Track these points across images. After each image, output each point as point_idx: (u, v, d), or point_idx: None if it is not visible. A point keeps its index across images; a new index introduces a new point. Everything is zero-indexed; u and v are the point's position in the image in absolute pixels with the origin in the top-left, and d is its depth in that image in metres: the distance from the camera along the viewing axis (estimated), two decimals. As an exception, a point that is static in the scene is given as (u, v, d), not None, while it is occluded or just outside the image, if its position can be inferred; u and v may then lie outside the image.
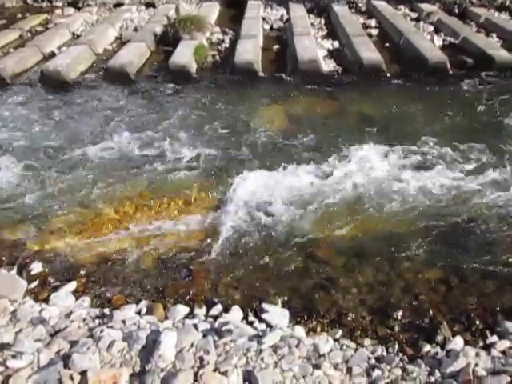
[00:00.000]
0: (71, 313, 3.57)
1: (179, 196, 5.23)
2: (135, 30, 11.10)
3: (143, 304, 3.88)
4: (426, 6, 12.20)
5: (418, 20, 11.72)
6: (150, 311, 3.78)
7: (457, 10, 12.40)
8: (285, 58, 9.33)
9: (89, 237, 4.68)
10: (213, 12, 12.08)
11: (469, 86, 8.18)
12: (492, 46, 9.67)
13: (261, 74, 8.54)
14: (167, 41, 9.99)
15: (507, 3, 12.50)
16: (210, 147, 6.24)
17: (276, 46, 10.03)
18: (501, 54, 9.14)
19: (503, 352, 3.43)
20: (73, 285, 4.09)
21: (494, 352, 3.41)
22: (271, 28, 11.37)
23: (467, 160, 5.93)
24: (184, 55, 8.86)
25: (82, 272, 4.26)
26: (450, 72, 8.63)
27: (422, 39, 9.82)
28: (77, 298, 3.90)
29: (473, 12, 12.14)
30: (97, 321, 3.50)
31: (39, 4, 13.48)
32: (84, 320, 3.49)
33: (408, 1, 12.70)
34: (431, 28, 11.09)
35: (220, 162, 5.94)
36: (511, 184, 5.43)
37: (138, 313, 3.77)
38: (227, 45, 10.10)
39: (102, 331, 3.22)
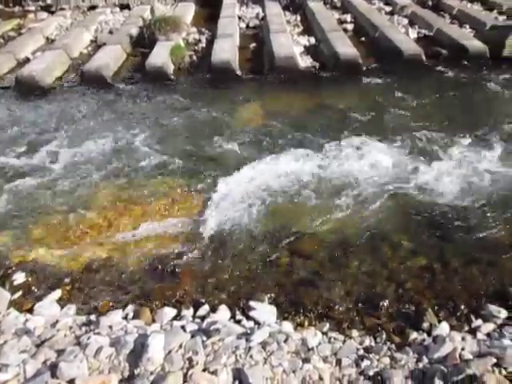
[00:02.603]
0: (57, 322, 3.51)
1: (161, 199, 5.19)
2: (110, 32, 10.99)
3: (130, 308, 3.84)
4: (399, 0, 12.35)
5: (392, 14, 11.88)
6: (136, 315, 3.74)
7: (430, 3, 12.62)
8: (262, 55, 9.36)
9: (72, 244, 4.61)
10: (188, 12, 12.03)
11: (444, 77, 8.32)
12: (465, 36, 9.85)
13: (238, 72, 8.53)
14: (143, 42, 9.91)
15: (478, -6, 12.74)
16: (189, 148, 6.20)
17: (253, 44, 10.04)
18: (474, 44, 9.33)
19: (488, 335, 3.50)
20: (57, 293, 4.02)
21: (480, 335, 3.48)
22: (247, 26, 11.40)
23: (446, 149, 6.02)
24: (160, 56, 8.81)
25: (67, 280, 4.20)
26: (426, 63, 8.76)
27: (396, 32, 9.96)
28: (62, 307, 3.84)
29: (446, 4, 12.35)
30: (83, 328, 3.46)
31: (11, 9, 13.23)
32: (70, 328, 3.44)
33: (381, -6, 12.85)
34: (405, 21, 11.25)
35: (200, 163, 5.90)
36: (491, 171, 5.55)
37: (125, 318, 3.73)
38: (204, 44, 10.08)
39: (88, 338, 3.18)
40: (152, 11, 11.76)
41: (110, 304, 3.93)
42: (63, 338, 3.27)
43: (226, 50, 8.93)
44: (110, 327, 3.44)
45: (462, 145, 6.10)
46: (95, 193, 5.36)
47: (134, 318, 3.72)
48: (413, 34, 10.33)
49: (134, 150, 6.18)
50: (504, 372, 2.89)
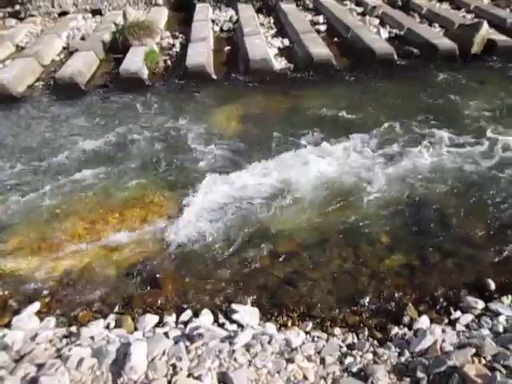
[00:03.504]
0: (36, 335, 3.44)
1: (138, 206, 5.13)
2: (82, 38, 10.83)
3: (111, 318, 3.79)
4: (370, 1, 12.55)
5: (363, 14, 12.03)
6: (118, 324, 3.70)
7: (400, 3, 12.82)
8: (236, 58, 9.37)
9: (48, 255, 4.52)
10: (161, 16, 11.96)
11: (416, 75, 8.50)
12: (435, 35, 10.07)
13: (214, 76, 8.52)
14: (116, 48, 9.80)
15: (447, -7, 13.04)
16: (164, 154, 6.15)
17: (227, 48, 10.05)
18: (444, 42, 9.54)
19: (467, 326, 3.59)
20: (36, 306, 3.93)
21: (459, 327, 3.56)
22: (221, 30, 11.39)
23: (418, 144, 6.14)
24: (134, 62, 8.73)
25: (45, 292, 4.11)
26: (398, 62, 8.93)
27: (368, 32, 10.10)
28: (41, 320, 3.76)
29: (415, 3, 12.59)
30: (64, 340, 3.39)
31: (-24, 17, 12.92)
32: (51, 341, 3.38)
33: (353, -4, 13.03)
34: (377, 21, 11.41)
35: (176, 169, 5.85)
36: (464, 165, 5.69)
37: (107, 327, 3.68)
38: (178, 49, 10.03)
39: (70, 350, 3.12)
40: (124, 16, 11.62)
41: (91, 314, 3.88)
42: (43, 351, 3.20)
43: (201, 54, 8.91)
44: (92, 338, 3.39)
45: (435, 141, 6.23)
46: (70, 202, 5.26)
47: (115, 326, 3.68)
48: (384, 33, 10.50)
49: (109, 158, 6.10)
50: (484, 361, 2.95)
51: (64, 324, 3.75)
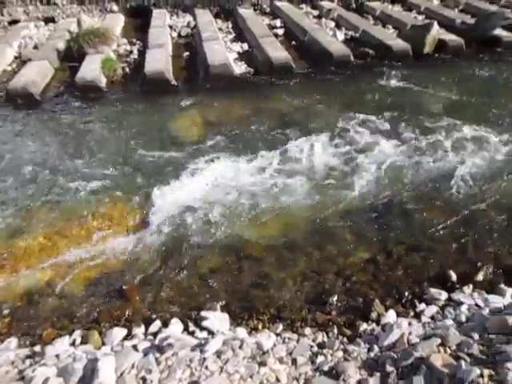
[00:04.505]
0: (-4, 358, 3.29)
1: (99, 217, 5.01)
2: (35, 47, 10.48)
3: (77, 334, 3.67)
4: (326, 4, 12.82)
5: (319, 17, 12.27)
6: (85, 340, 3.59)
7: (354, 5, 13.15)
8: (196, 64, 9.32)
9: (8, 273, 4.33)
10: (117, 23, 11.76)
11: (371, 75, 8.74)
12: (389, 36, 10.40)
13: (173, 82, 8.44)
14: (71, 56, 9.54)
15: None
16: (125, 163, 6.02)
17: (186, 53, 9.99)
18: (398, 43, 9.86)
19: (432, 317, 3.70)
20: (-5, 327, 3.78)
21: (424, 318, 3.67)
22: (179, 35, 11.32)
23: (377, 142, 6.30)
24: (91, 70, 8.53)
25: (5, 311, 3.93)
26: (354, 63, 9.16)
27: (325, 35, 10.31)
28: (2, 341, 3.60)
29: (369, 6, 12.96)
30: (27, 361, 3.26)
31: None
32: (13, 363, 3.23)
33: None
34: (333, 24, 11.66)
35: (138, 177, 5.73)
36: (422, 160, 5.88)
37: (73, 344, 3.56)
38: (136, 56, 9.88)
39: (33, 371, 3.00)
40: (79, 24, 11.35)
41: (56, 332, 3.74)
42: (5, 374, 3.06)
43: (159, 60, 8.81)
44: (57, 356, 3.27)
45: (393, 137, 6.44)
46: (29, 217, 5.06)
47: (82, 343, 3.56)
48: (340, 36, 10.73)
49: (68, 169, 5.91)
50: (449, 350, 3.04)
51: (27, 344, 3.60)
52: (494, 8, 12.18)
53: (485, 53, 9.91)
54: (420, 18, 12.36)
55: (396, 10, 12.94)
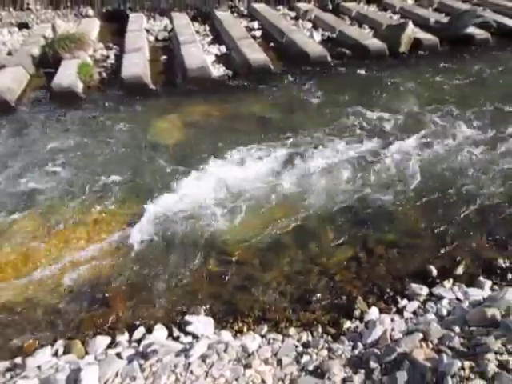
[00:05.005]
0: (-25, 372, 3.22)
1: (81, 225, 4.94)
2: (9, 53, 10.28)
3: (59, 344, 3.61)
4: (302, 5, 12.90)
5: (296, 18, 12.34)
6: (67, 350, 3.53)
7: (330, 6, 13.26)
8: (174, 67, 9.28)
9: (-14, 284, 4.25)
10: (93, 28, 11.62)
11: (349, 75, 8.84)
12: (365, 36, 10.52)
13: (151, 86, 8.38)
14: (47, 62, 9.38)
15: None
16: (105, 169, 5.92)
17: (164, 57, 9.95)
18: (374, 43, 9.99)
19: (414, 312, 3.76)
20: (-26, 340, 3.69)
21: (406, 314, 3.72)
22: (156, 39, 11.27)
23: (353, 143, 6.38)
24: (67, 75, 8.41)
25: (-16, 324, 3.86)
26: (331, 64, 9.25)
27: (302, 36, 10.39)
28: (-20, 354, 3.53)
29: (345, 7, 13.09)
30: (8, 374, 3.20)
31: None
32: (-8, 376, 3.17)
33: (286, 1, 13.31)
34: (310, 25, 11.75)
35: (118, 184, 5.65)
36: (400, 158, 5.97)
37: (55, 354, 3.51)
38: (113, 60, 9.79)
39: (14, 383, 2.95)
40: (54, 29, 11.19)
41: (37, 342, 3.67)
42: (-16, 388, 3.00)
43: (137, 65, 8.74)
44: (39, 367, 3.22)
45: (369, 139, 6.50)
46: (9, 226, 4.97)
47: (64, 353, 3.51)
48: (317, 36, 10.82)
49: (47, 178, 5.80)
50: (431, 345, 3.09)
51: (7, 356, 3.52)
52: (466, 7, 12.45)
53: (458, 51, 10.12)
54: (395, 17, 12.54)
55: (372, 10, 13.11)
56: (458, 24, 10.76)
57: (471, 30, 10.73)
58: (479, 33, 10.70)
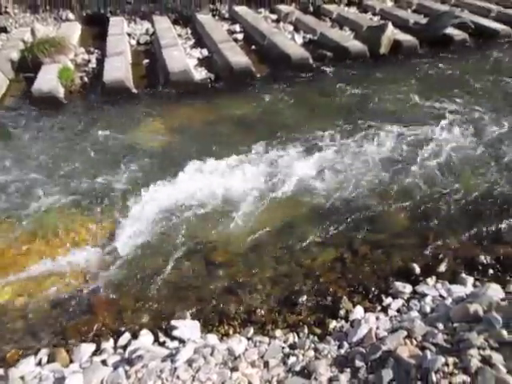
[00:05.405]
0: (-45, 386, 3.15)
1: (63, 232, 4.87)
2: (-13, 59, 10.13)
3: (43, 353, 3.54)
4: (284, 8, 12.95)
5: (278, 21, 12.40)
6: (52, 359, 3.47)
7: (311, 8, 13.36)
8: (156, 71, 9.25)
9: (-34, 294, 4.16)
10: (74, 32, 11.50)
11: (330, 77, 8.94)
12: (346, 38, 10.62)
13: (134, 90, 8.34)
14: (27, 67, 9.26)
15: (353, -2, 13.81)
16: (88, 175, 5.85)
17: (146, 61, 9.90)
18: (355, 44, 10.09)
19: (398, 310, 3.80)
20: (-47, 352, 3.61)
21: (391, 312, 3.75)
22: (138, 43, 11.22)
23: (334, 145, 6.43)
24: (48, 80, 8.30)
25: (-37, 334, 3.78)
26: (313, 66, 9.32)
27: (284, 38, 10.44)
28: (-40, 367, 3.45)
29: (325, 9, 13.20)
30: (-10, 387, 3.14)
31: None
32: (-26, 389, 3.11)
33: (267, 4, 13.36)
34: (291, 27, 11.82)
35: (101, 189, 5.58)
36: (380, 158, 6.06)
37: (39, 364, 3.44)
38: (94, 65, 9.70)
39: (-3, 395, 2.90)
40: (33, 33, 11.06)
41: (20, 352, 3.60)
42: (-34, 401, 2.94)
43: (119, 69, 8.68)
44: (22, 378, 3.17)
45: (352, 139, 6.56)
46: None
47: (48, 362, 3.45)
48: (299, 39, 10.89)
49: (27, 185, 5.71)
50: (415, 342, 3.13)
51: (-12, 368, 3.46)
52: (444, 8, 12.66)
53: (438, 51, 10.30)
54: (375, 19, 12.69)
55: (352, 12, 13.23)
56: (436, 25, 10.94)
57: (449, 30, 10.93)
58: (457, 33, 10.89)
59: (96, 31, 11.78)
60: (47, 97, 7.98)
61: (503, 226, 4.83)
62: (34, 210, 5.25)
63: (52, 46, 9.44)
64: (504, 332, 2.86)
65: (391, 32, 10.22)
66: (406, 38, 10.52)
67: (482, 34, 11.18)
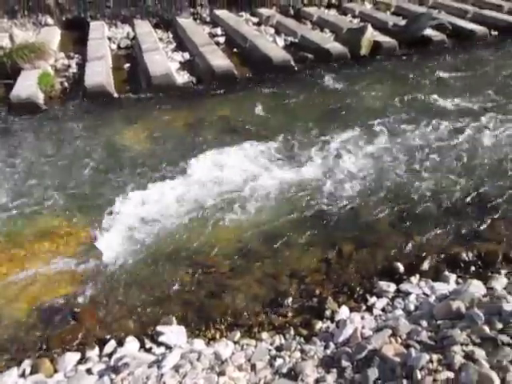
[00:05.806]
0: None
1: (46, 238, 4.80)
2: (-36, 65, 9.93)
3: (26, 363, 3.48)
4: (264, 11, 13.01)
5: (259, 24, 12.44)
6: (35, 369, 3.41)
7: (292, 11, 13.44)
8: (137, 75, 9.19)
9: None
10: (53, 37, 11.36)
11: (311, 78, 9.00)
12: (326, 40, 10.71)
13: (115, 94, 8.28)
14: (5, 73, 9.10)
15: (333, 1, 13.92)
16: (69, 181, 5.78)
17: (127, 65, 9.84)
18: (335, 46, 10.19)
19: (383, 309, 3.83)
20: None
21: (376, 311, 3.79)
22: (119, 47, 11.14)
23: (316, 144, 6.50)
24: (27, 86, 8.18)
25: None
26: (295, 68, 9.37)
27: (265, 41, 10.48)
28: None
29: (306, 11, 13.29)
30: (-28, 402, 3.08)
31: None
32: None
33: (248, 7, 13.39)
34: (272, 30, 11.87)
35: (83, 195, 5.53)
36: (363, 158, 6.11)
37: (22, 375, 3.38)
38: (75, 69, 9.60)
39: (-21, 408, 2.84)
40: (11, 38, 10.88)
41: (2, 363, 3.54)
42: None
43: (100, 73, 8.61)
44: (5, 390, 3.11)
45: (335, 141, 6.60)
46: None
47: (32, 372, 3.39)
48: (280, 41, 10.95)
49: (6, 191, 5.62)
50: (400, 340, 3.16)
51: (-31, 381, 3.39)
52: (422, 10, 12.86)
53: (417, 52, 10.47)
54: (355, 21, 12.83)
55: (332, 15, 13.36)
56: (414, 26, 11.10)
57: (428, 32, 11.11)
58: (435, 34, 11.09)
59: (76, 36, 11.65)
60: (26, 103, 7.85)
61: (484, 223, 4.91)
62: (15, 216, 5.17)
63: (31, 51, 9.30)
64: (486, 327, 2.91)
65: (371, 34, 10.35)
66: (385, 39, 10.66)
67: (459, 35, 11.40)
